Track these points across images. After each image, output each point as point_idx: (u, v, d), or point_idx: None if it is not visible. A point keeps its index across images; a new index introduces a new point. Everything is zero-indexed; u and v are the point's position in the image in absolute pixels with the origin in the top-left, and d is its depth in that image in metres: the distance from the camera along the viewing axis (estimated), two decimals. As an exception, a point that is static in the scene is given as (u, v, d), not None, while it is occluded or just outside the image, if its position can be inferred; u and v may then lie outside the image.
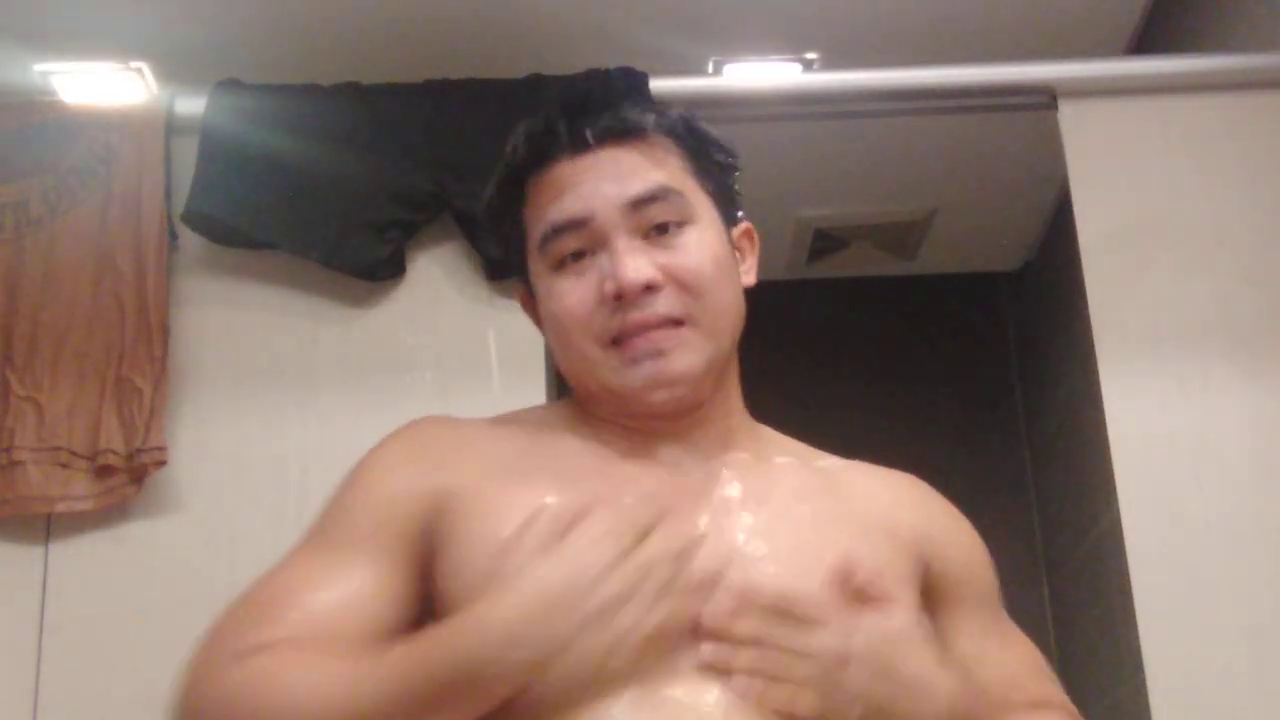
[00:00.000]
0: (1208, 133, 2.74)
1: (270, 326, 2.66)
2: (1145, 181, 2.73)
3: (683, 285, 1.40)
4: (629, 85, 2.70)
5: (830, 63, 3.23)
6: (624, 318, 1.38)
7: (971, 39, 3.18)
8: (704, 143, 1.50)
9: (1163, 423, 2.59)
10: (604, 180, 1.42)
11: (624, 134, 1.44)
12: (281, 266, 2.66)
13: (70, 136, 2.66)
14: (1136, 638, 2.50)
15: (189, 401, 2.60)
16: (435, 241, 2.70)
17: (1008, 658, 1.53)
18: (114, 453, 2.47)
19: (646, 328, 1.38)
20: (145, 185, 2.63)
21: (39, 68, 2.98)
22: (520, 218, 1.48)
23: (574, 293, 1.41)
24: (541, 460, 1.42)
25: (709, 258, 1.43)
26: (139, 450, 2.47)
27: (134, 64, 3.09)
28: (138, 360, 2.53)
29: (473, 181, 2.66)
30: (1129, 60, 3.24)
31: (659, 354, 1.39)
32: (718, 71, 3.25)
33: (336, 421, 2.57)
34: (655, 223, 1.41)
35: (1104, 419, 2.60)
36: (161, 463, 2.49)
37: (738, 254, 1.53)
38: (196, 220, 2.65)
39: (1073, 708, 1.58)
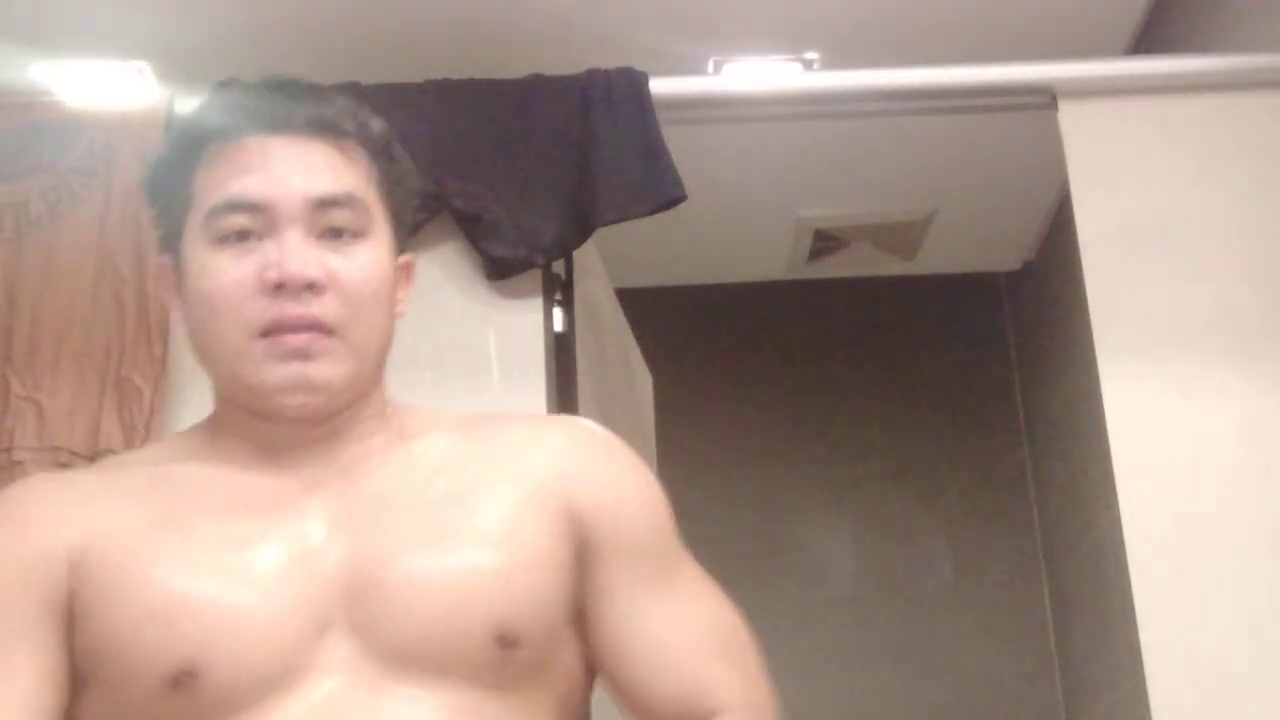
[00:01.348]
0: (1208, 133, 2.74)
1: (270, 326, 2.66)
2: (1145, 181, 2.73)
3: (343, 294, 1.36)
4: (628, 85, 2.70)
5: (830, 63, 3.24)
6: (279, 310, 1.33)
7: (971, 39, 3.18)
8: (398, 165, 1.48)
9: (1163, 422, 2.59)
10: (295, 170, 1.37)
11: (327, 129, 1.41)
12: (281, 266, 2.66)
13: (70, 136, 2.66)
14: (1136, 637, 2.50)
15: (189, 401, 2.60)
16: (435, 241, 2.70)
17: (676, 626, 1.41)
18: (114, 452, 2.46)
19: (299, 326, 1.33)
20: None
21: (39, 68, 2.98)
22: (190, 181, 1.39)
23: (231, 273, 1.35)
24: (163, 496, 1.37)
25: (375, 276, 1.40)
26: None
27: (134, 64, 3.09)
28: (138, 360, 2.53)
29: (473, 181, 2.66)
30: (1129, 60, 3.24)
31: (305, 357, 1.34)
32: (718, 71, 3.26)
33: (336, 421, 2.57)
34: (333, 226, 1.37)
35: (1104, 419, 2.60)
36: (161, 463, 2.49)
37: (397, 282, 1.48)
38: (196, 220, 2.64)
39: (760, 699, 1.43)
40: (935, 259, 4.22)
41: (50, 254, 2.59)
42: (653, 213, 2.66)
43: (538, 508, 1.38)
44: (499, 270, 2.65)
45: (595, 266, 2.99)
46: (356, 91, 2.75)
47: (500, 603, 1.31)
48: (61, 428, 2.49)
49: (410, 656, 1.28)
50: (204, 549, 1.32)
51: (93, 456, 2.46)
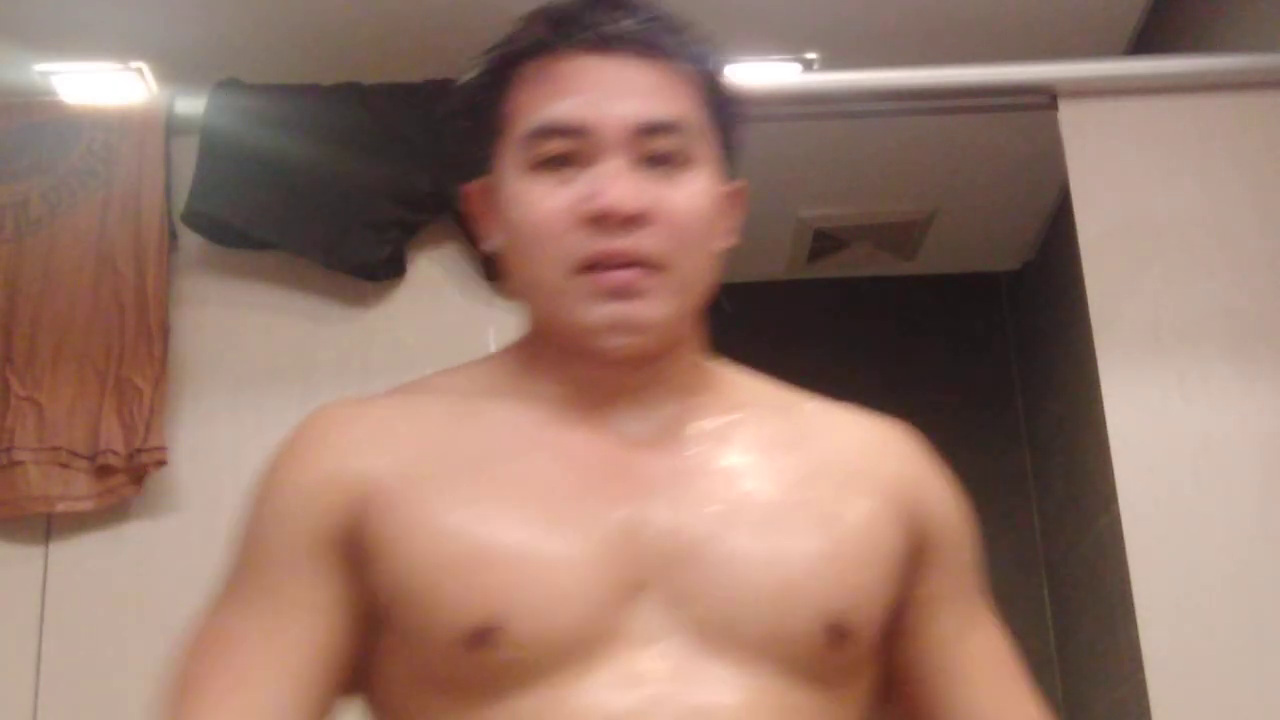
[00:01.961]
0: (1208, 133, 2.74)
1: (270, 326, 2.66)
2: (1145, 181, 2.73)
3: (669, 228, 1.24)
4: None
5: (830, 63, 3.23)
6: (600, 244, 1.22)
7: (971, 39, 3.18)
8: (724, 89, 1.34)
9: (1163, 422, 2.59)
10: (619, 93, 1.26)
11: (654, 48, 1.28)
12: (281, 266, 2.66)
13: (70, 136, 2.66)
14: (1136, 637, 2.50)
15: (189, 401, 2.60)
16: (435, 242, 2.70)
17: (987, 664, 1.38)
18: (114, 453, 2.47)
19: (621, 262, 1.22)
20: (145, 185, 2.63)
21: (39, 68, 2.98)
22: (505, 101, 1.30)
23: (547, 202, 1.25)
24: (468, 432, 1.28)
25: (702, 207, 1.27)
26: (139, 450, 2.47)
27: (134, 64, 3.09)
28: (138, 360, 2.53)
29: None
30: (1129, 60, 3.24)
31: (627, 296, 1.23)
32: (718, 71, 3.25)
33: (336, 421, 2.57)
34: (658, 153, 1.26)
35: (1104, 418, 2.60)
36: (161, 463, 2.49)
37: (724, 211, 1.35)
38: (197, 220, 2.65)
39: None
40: (935, 259, 4.22)
41: (50, 254, 2.59)
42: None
43: (882, 506, 1.30)
44: (498, 270, 2.65)
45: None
46: (356, 91, 2.75)
47: (835, 592, 1.22)
48: (61, 428, 2.49)
49: (730, 634, 1.19)
50: (509, 495, 1.23)
51: (93, 456, 2.46)
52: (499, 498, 1.22)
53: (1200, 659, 2.46)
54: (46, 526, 2.52)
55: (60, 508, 2.47)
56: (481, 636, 1.15)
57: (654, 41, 1.27)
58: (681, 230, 1.25)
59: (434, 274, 2.69)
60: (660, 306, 1.25)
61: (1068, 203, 2.78)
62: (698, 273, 1.28)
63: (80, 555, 2.52)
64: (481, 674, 1.17)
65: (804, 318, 4.32)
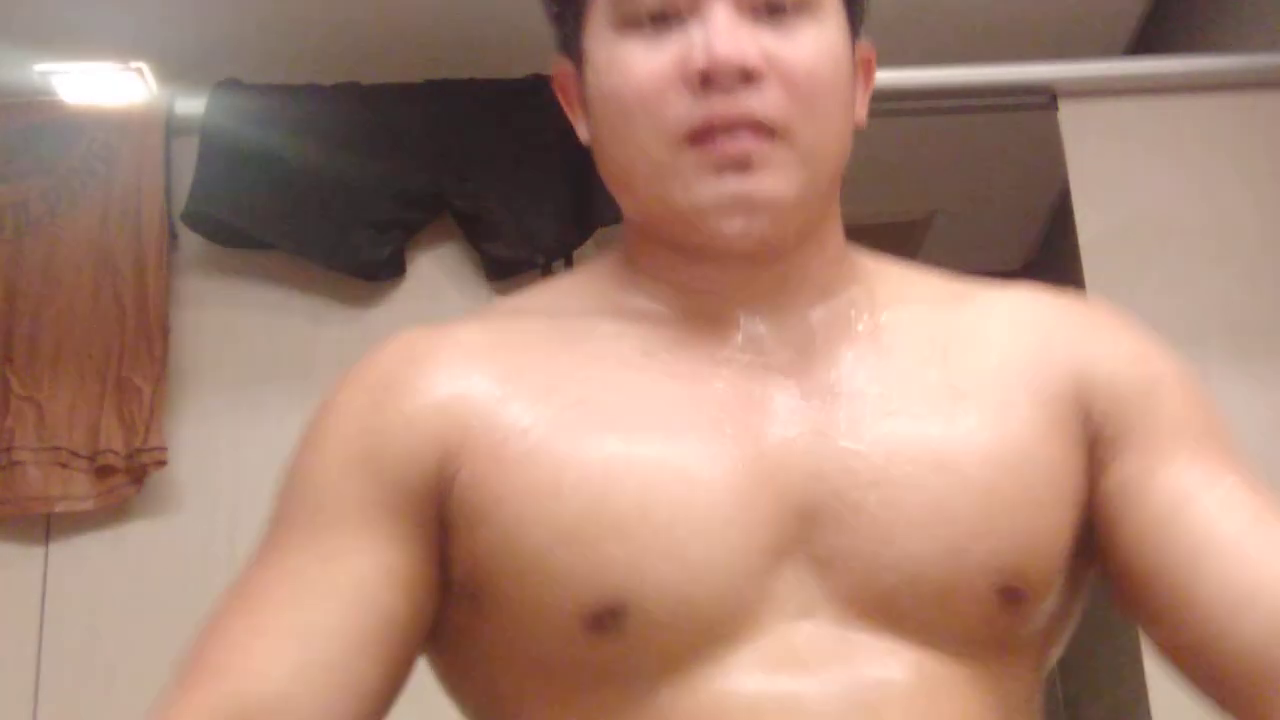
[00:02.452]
0: (1208, 133, 2.74)
1: (270, 326, 2.66)
2: (1145, 181, 2.73)
3: (789, 84, 1.04)
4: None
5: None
6: (708, 108, 1.02)
7: (971, 39, 3.17)
8: None
9: (1163, 423, 2.58)
10: None
11: None
12: (281, 266, 2.66)
13: (70, 136, 2.66)
14: (1137, 637, 2.50)
15: (189, 401, 2.60)
16: (435, 242, 2.70)
17: (1240, 530, 1.05)
18: (114, 453, 2.47)
19: (734, 127, 1.02)
20: (145, 185, 2.63)
21: (39, 68, 2.98)
22: None
23: (645, 64, 1.04)
24: (574, 369, 1.06)
25: (828, 61, 1.07)
26: (139, 450, 2.47)
27: (134, 64, 3.08)
28: (138, 360, 2.53)
29: (473, 182, 2.66)
30: (1129, 60, 3.24)
31: (744, 167, 1.02)
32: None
33: (336, 422, 2.57)
34: (772, 0, 1.05)
35: (1104, 419, 2.60)
36: (162, 463, 2.49)
37: (855, 79, 1.16)
38: (196, 220, 2.65)
39: None
40: (935, 260, 4.19)
41: (50, 254, 2.59)
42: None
43: (1052, 419, 1.07)
44: (500, 270, 2.66)
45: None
46: (356, 91, 2.75)
47: (1007, 549, 1.01)
48: (61, 428, 2.49)
49: (888, 602, 0.99)
50: (627, 445, 1.01)
51: (93, 456, 2.46)
52: (615, 447, 1.01)
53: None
54: (46, 526, 2.52)
55: (60, 508, 2.47)
56: (604, 619, 0.96)
57: None
58: (804, 88, 1.05)
59: (434, 274, 2.69)
60: (785, 180, 1.04)
61: (1068, 203, 2.78)
62: (826, 142, 1.07)
63: (80, 555, 2.52)
64: (605, 661, 0.98)
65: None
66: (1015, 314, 1.15)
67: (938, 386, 1.07)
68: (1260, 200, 2.69)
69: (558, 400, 1.03)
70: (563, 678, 1.00)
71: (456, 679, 1.09)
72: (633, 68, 1.05)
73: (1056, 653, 1.14)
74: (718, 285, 1.09)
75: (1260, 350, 2.61)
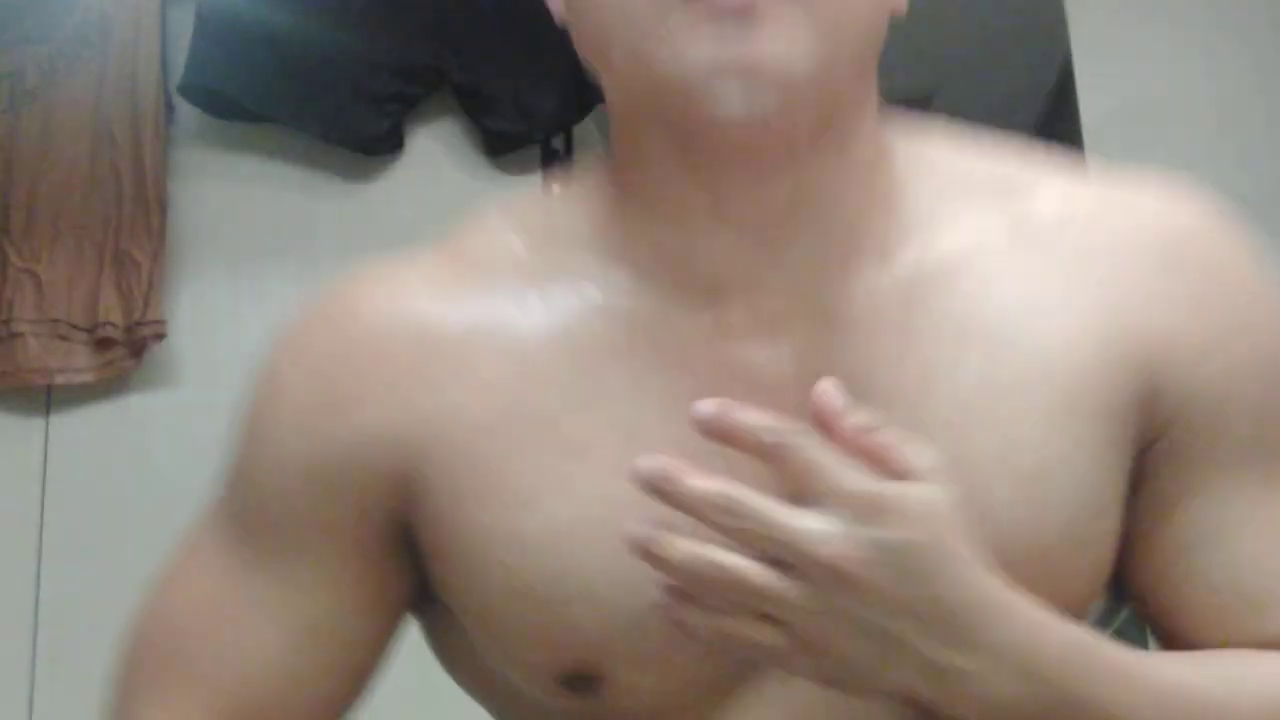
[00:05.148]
0: (1214, 10, 2.72)
1: (268, 200, 2.65)
2: (1150, 59, 2.71)
3: None
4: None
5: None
6: None
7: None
8: None
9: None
10: None
11: None
12: (279, 139, 2.65)
13: (65, 6, 2.63)
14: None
15: (187, 275, 2.60)
16: (434, 116, 2.69)
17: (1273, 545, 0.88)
18: (113, 325, 2.47)
19: None
20: (141, 57, 2.61)
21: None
22: None
23: None
24: (553, 364, 0.87)
25: None
26: (138, 323, 2.47)
27: (129, -68, 3.05)
28: (135, 233, 2.53)
29: (471, 55, 2.64)
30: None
31: (748, 12, 0.77)
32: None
33: (335, 296, 2.58)
34: None
35: (1102, 300, 2.60)
36: (161, 335, 2.49)
37: None
38: (193, 92, 2.63)
39: None
40: (935, 138, 4.20)
41: (46, 125, 2.58)
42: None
43: (1098, 431, 0.85)
44: (498, 145, 2.64)
45: (595, 142, 2.97)
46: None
47: (1042, 587, 0.80)
48: (60, 299, 2.49)
49: None
50: (600, 483, 0.83)
51: (92, 329, 2.46)
52: (587, 492, 0.83)
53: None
54: (47, 399, 2.53)
55: (60, 379, 2.48)
56: (577, 682, 0.84)
57: None
58: None
59: (433, 148, 2.67)
60: (800, 43, 0.79)
61: (1070, 81, 2.76)
62: (852, 9, 0.84)
63: (81, 427, 2.53)
64: (589, 713, 0.86)
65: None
66: (1089, 268, 0.89)
67: (983, 382, 0.85)
68: (1266, 80, 2.67)
69: (525, 419, 0.85)
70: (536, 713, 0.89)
71: (454, 672, 0.96)
72: None
73: None
74: (717, 206, 0.85)
75: (1262, 235, 2.60)
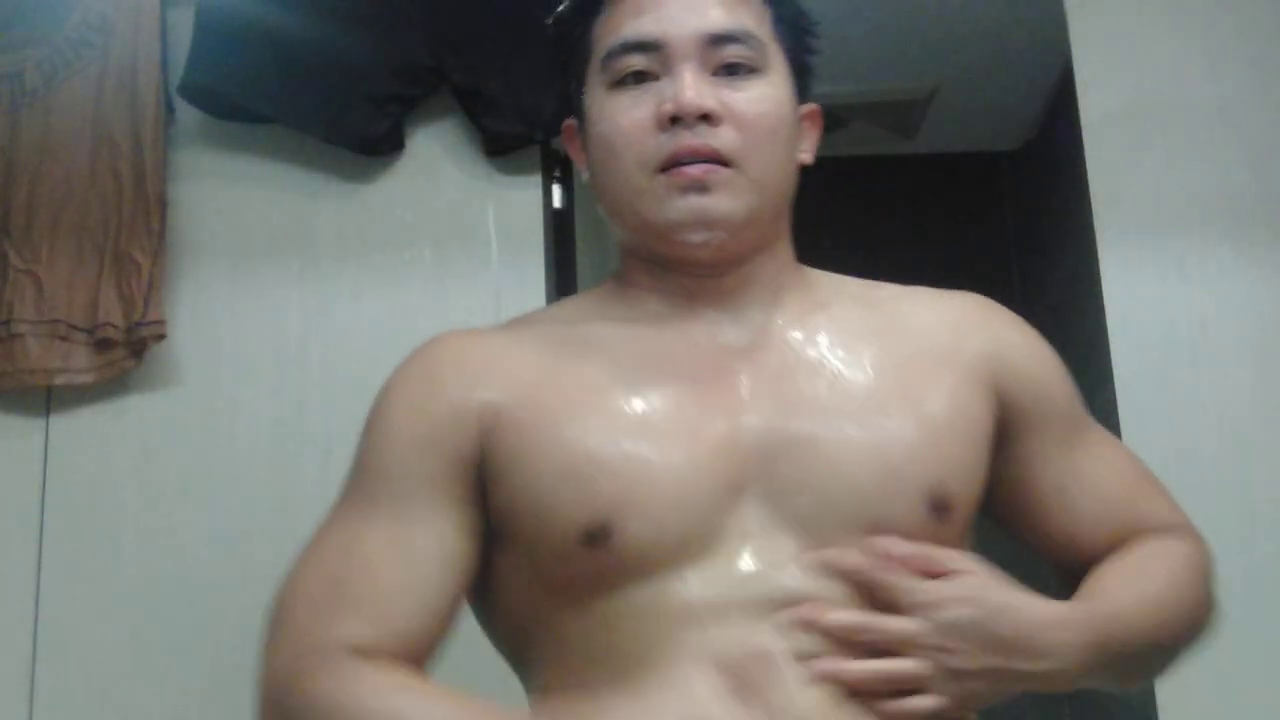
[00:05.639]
0: (1215, 10, 2.72)
1: (268, 200, 2.65)
2: (1151, 59, 2.71)
3: (740, 126, 1.36)
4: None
5: (833, -63, 3.19)
6: (676, 142, 1.34)
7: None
8: (793, 6, 1.50)
9: (1161, 304, 2.59)
10: (688, 9, 1.39)
11: None
12: (279, 140, 2.65)
13: (65, 6, 2.63)
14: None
15: (187, 275, 2.60)
16: (434, 116, 2.68)
17: (1101, 476, 1.47)
18: (113, 326, 2.47)
19: (696, 157, 1.34)
20: (141, 57, 2.61)
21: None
22: (589, 31, 1.43)
23: (629, 112, 1.37)
24: (576, 355, 1.38)
25: (772, 110, 1.40)
26: (138, 324, 2.47)
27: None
28: (136, 234, 2.53)
29: (471, 56, 2.64)
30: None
31: (703, 189, 1.34)
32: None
33: (335, 296, 2.57)
34: (727, 62, 1.38)
35: (1102, 300, 2.60)
36: (160, 336, 2.50)
37: (801, 130, 1.49)
38: (193, 93, 2.63)
39: (1184, 519, 1.53)
40: (936, 138, 4.20)
41: (46, 126, 2.58)
42: (653, 88, 2.64)
43: (969, 382, 1.39)
44: (498, 146, 2.64)
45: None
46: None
47: (934, 469, 1.31)
48: (60, 300, 2.49)
49: (834, 523, 1.28)
50: (618, 408, 1.32)
51: (92, 329, 2.47)
52: (608, 409, 1.32)
53: (1191, 538, 2.48)
54: (47, 399, 2.53)
55: (60, 380, 2.48)
56: (594, 536, 1.25)
57: None
58: (751, 129, 1.36)
59: (433, 149, 2.67)
60: (734, 200, 1.35)
61: (1071, 81, 2.76)
62: (771, 173, 1.39)
63: (80, 428, 2.53)
64: (594, 571, 1.27)
65: (802, 197, 4.30)
66: (935, 308, 1.47)
67: (876, 359, 1.37)
68: (1267, 81, 2.67)
69: (564, 379, 1.34)
70: (562, 589, 1.30)
71: (485, 608, 1.40)
72: (619, 115, 1.37)
73: None
74: (692, 288, 1.41)
75: (1261, 233, 2.61)
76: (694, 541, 1.26)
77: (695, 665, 1.23)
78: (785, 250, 1.47)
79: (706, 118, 1.34)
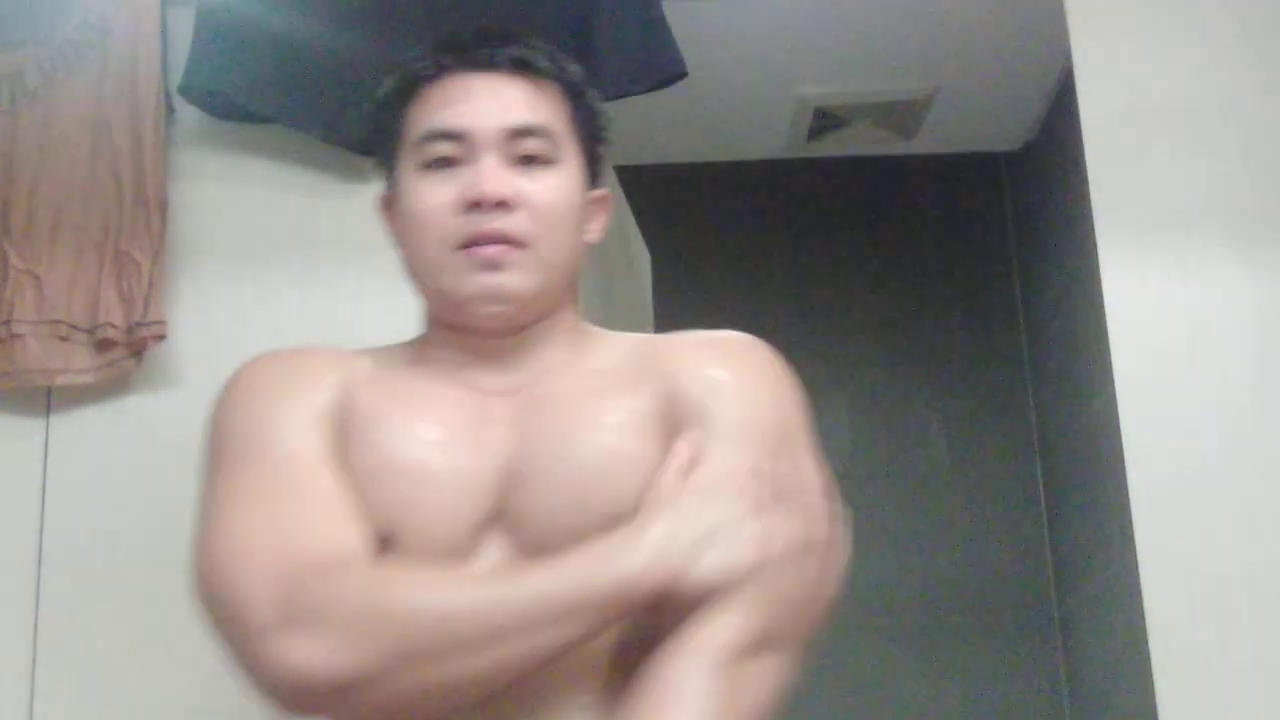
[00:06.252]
0: (1216, 10, 2.72)
1: (268, 201, 2.65)
2: (1150, 59, 2.71)
3: (533, 213, 1.52)
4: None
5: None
6: (475, 225, 1.51)
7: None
8: (591, 106, 1.64)
9: (1161, 304, 2.59)
10: (492, 102, 1.55)
11: (525, 68, 1.58)
12: (279, 140, 2.65)
13: (65, 6, 2.63)
14: (1129, 518, 2.52)
15: (187, 276, 2.60)
16: (434, 116, 2.68)
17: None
18: (113, 326, 2.47)
19: (492, 239, 1.51)
20: (141, 57, 2.61)
21: (32, -64, 2.95)
22: (403, 116, 1.58)
23: (435, 195, 1.53)
24: (381, 389, 1.55)
25: (562, 199, 1.56)
26: (138, 324, 2.47)
27: (129, -67, 3.05)
28: (136, 234, 2.53)
29: (472, 56, 2.63)
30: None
31: (497, 268, 1.51)
32: (720, -54, 3.21)
33: (335, 296, 2.57)
34: (526, 154, 1.54)
35: (1102, 300, 2.60)
36: (161, 336, 2.50)
37: (589, 212, 1.63)
38: (193, 93, 2.63)
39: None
40: (936, 138, 4.20)
41: (47, 126, 2.58)
42: (653, 89, 2.64)
43: (641, 422, 1.51)
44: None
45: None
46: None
47: (615, 496, 1.45)
48: (60, 301, 2.49)
49: (549, 540, 1.42)
50: (406, 434, 1.51)
51: (92, 330, 2.47)
52: (401, 434, 1.51)
53: (1192, 539, 2.48)
54: (47, 399, 2.53)
55: (60, 380, 2.48)
56: (386, 541, 1.44)
57: (525, 62, 1.58)
58: (543, 216, 1.53)
59: (433, 149, 2.67)
60: (524, 279, 1.53)
61: (1070, 81, 2.76)
62: (559, 254, 1.56)
63: (81, 427, 2.53)
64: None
65: (803, 197, 4.31)
66: (639, 352, 1.60)
67: (591, 404, 1.53)
68: (1268, 81, 2.67)
69: (378, 402, 1.53)
70: None
71: None
72: (427, 196, 1.54)
73: None
74: (481, 348, 1.58)
75: (1260, 233, 2.61)
76: (455, 554, 1.45)
77: None
78: (570, 316, 1.63)
79: (503, 204, 1.51)
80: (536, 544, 1.44)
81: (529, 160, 1.55)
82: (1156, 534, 2.50)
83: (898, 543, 4.04)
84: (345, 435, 1.50)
